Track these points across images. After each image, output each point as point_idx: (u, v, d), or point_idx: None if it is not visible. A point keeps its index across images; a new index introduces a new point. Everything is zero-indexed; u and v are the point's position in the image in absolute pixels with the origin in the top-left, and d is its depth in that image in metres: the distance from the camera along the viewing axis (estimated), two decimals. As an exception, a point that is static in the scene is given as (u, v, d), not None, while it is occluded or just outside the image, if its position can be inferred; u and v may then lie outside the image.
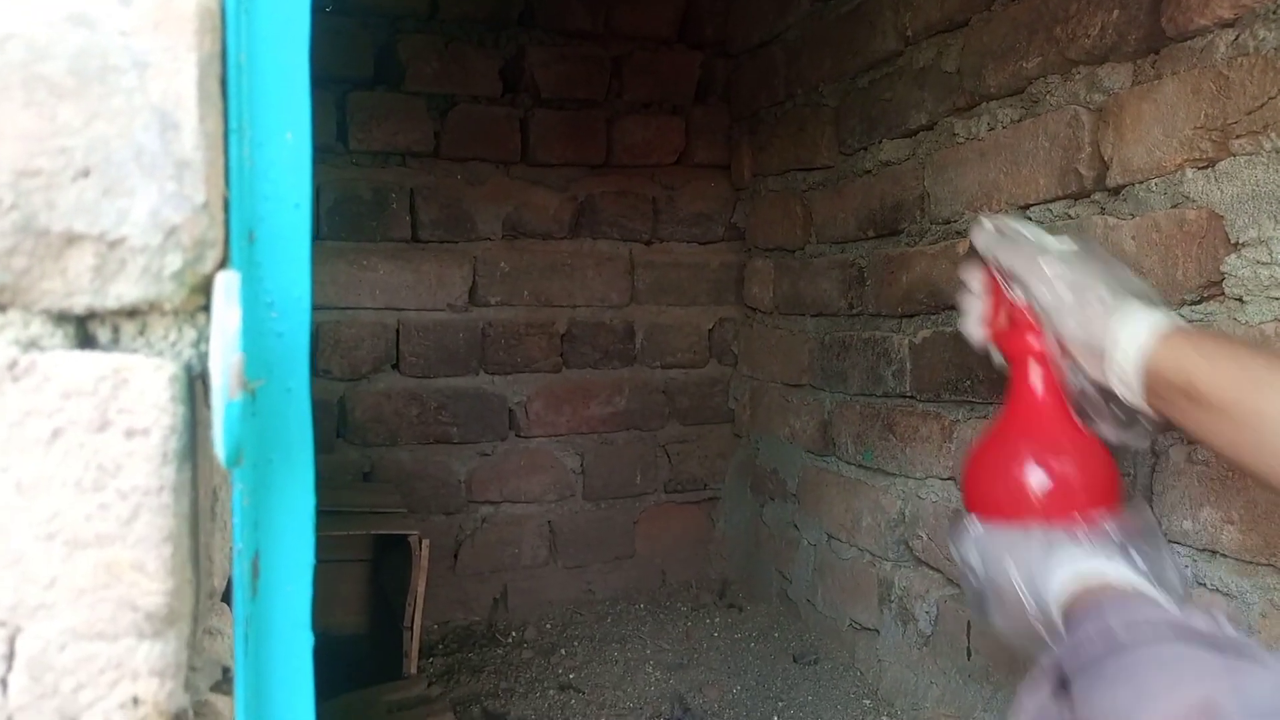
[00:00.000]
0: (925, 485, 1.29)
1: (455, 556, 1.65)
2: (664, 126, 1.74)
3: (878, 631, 1.38)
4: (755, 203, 1.74)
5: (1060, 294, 0.73)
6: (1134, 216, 0.95)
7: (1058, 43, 1.03)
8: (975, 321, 0.83)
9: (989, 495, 0.78)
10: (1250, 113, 0.83)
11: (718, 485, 1.83)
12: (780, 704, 1.34)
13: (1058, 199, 1.05)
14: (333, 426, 1.58)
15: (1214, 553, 0.89)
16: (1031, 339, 0.77)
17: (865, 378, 1.42)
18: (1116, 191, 0.98)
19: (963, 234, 1.20)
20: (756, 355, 1.76)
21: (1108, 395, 0.72)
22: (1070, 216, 1.03)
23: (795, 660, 1.47)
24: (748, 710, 1.33)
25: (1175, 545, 0.93)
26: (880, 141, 1.36)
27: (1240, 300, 0.87)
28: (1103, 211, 1.00)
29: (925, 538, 1.29)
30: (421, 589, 1.31)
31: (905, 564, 1.33)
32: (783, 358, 1.66)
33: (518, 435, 1.68)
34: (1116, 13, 0.96)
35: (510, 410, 1.68)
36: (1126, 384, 0.69)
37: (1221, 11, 0.85)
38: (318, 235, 1.55)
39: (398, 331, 1.60)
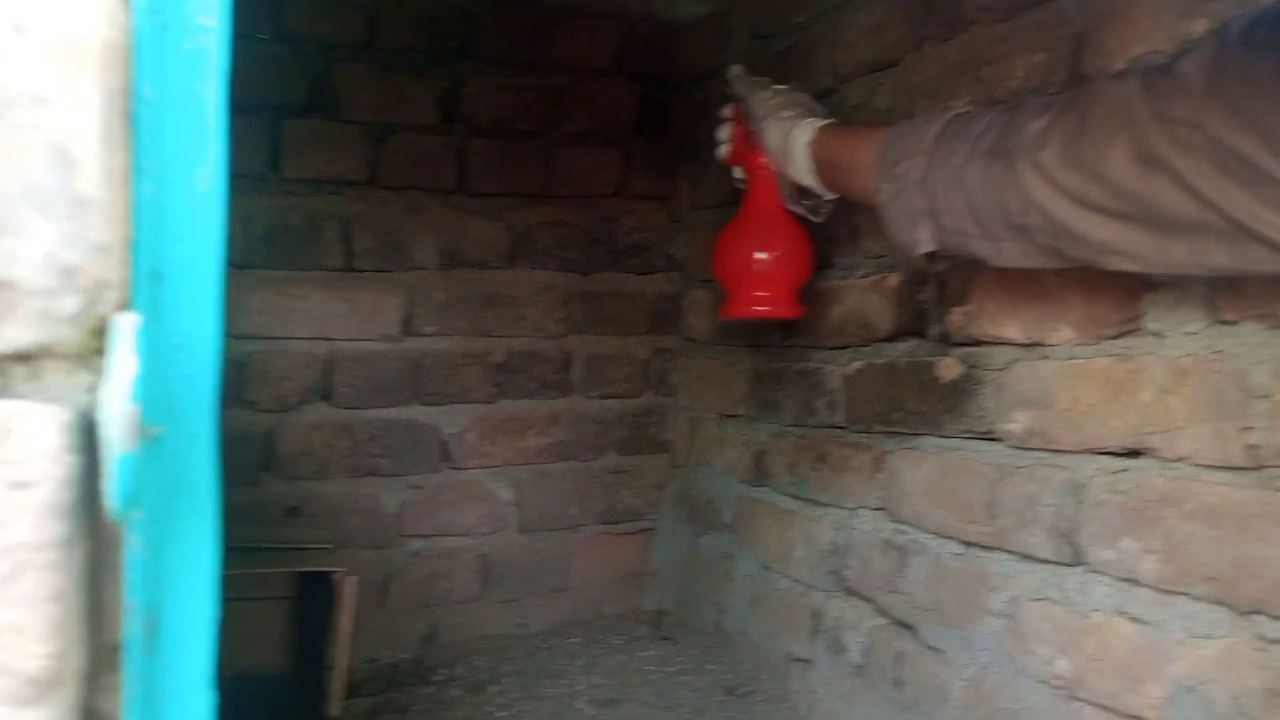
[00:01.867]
0: (857, 515, 1.30)
1: (384, 592, 1.62)
2: (603, 158, 1.75)
3: (810, 662, 1.38)
4: (694, 234, 1.75)
5: (768, 113, 1.06)
6: (1055, 254, 0.98)
7: (984, 83, 1.06)
8: (724, 146, 1.18)
9: (728, 262, 1.15)
10: None
11: (654, 516, 1.83)
12: (715, 738, 1.33)
13: (983, 236, 1.07)
14: (259, 460, 1.54)
15: (1134, 582, 0.91)
16: (757, 155, 1.11)
17: (799, 408, 1.43)
18: (1039, 230, 1.00)
19: (894, 268, 1.23)
20: (694, 386, 1.76)
21: (802, 187, 1.06)
22: (995, 253, 1.06)
23: (729, 693, 1.46)
24: (683, 745, 1.32)
25: (1097, 575, 0.95)
26: (813, 177, 1.38)
27: (1158, 335, 0.90)
28: (1026, 249, 1.02)
29: (857, 568, 1.29)
30: (347, 627, 1.27)
31: (837, 594, 1.34)
32: (719, 388, 1.67)
33: (451, 467, 1.66)
34: (1041, 55, 1.00)
35: (444, 441, 1.65)
36: (803, 169, 1.02)
37: (1137, 54, 0.88)
38: (247, 264, 1.51)
39: (329, 362, 1.57)
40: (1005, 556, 1.06)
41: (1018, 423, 1.04)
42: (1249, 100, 0.58)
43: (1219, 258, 0.64)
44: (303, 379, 1.56)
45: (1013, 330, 1.05)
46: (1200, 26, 0.83)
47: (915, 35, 1.17)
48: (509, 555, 1.71)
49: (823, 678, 1.35)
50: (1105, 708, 0.93)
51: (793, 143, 1.02)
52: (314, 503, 1.57)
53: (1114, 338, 0.93)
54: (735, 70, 1.17)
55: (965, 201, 0.80)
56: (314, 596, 1.40)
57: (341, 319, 1.57)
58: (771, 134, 1.05)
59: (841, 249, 1.33)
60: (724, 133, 1.19)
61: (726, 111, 1.19)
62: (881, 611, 1.25)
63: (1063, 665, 0.98)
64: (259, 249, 1.52)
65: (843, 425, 1.33)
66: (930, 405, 1.17)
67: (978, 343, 1.10)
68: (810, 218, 1.11)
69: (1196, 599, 0.85)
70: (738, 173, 1.18)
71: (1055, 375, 0.99)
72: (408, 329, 1.62)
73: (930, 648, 1.16)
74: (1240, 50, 0.59)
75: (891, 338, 1.24)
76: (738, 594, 1.59)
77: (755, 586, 1.54)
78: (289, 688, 1.46)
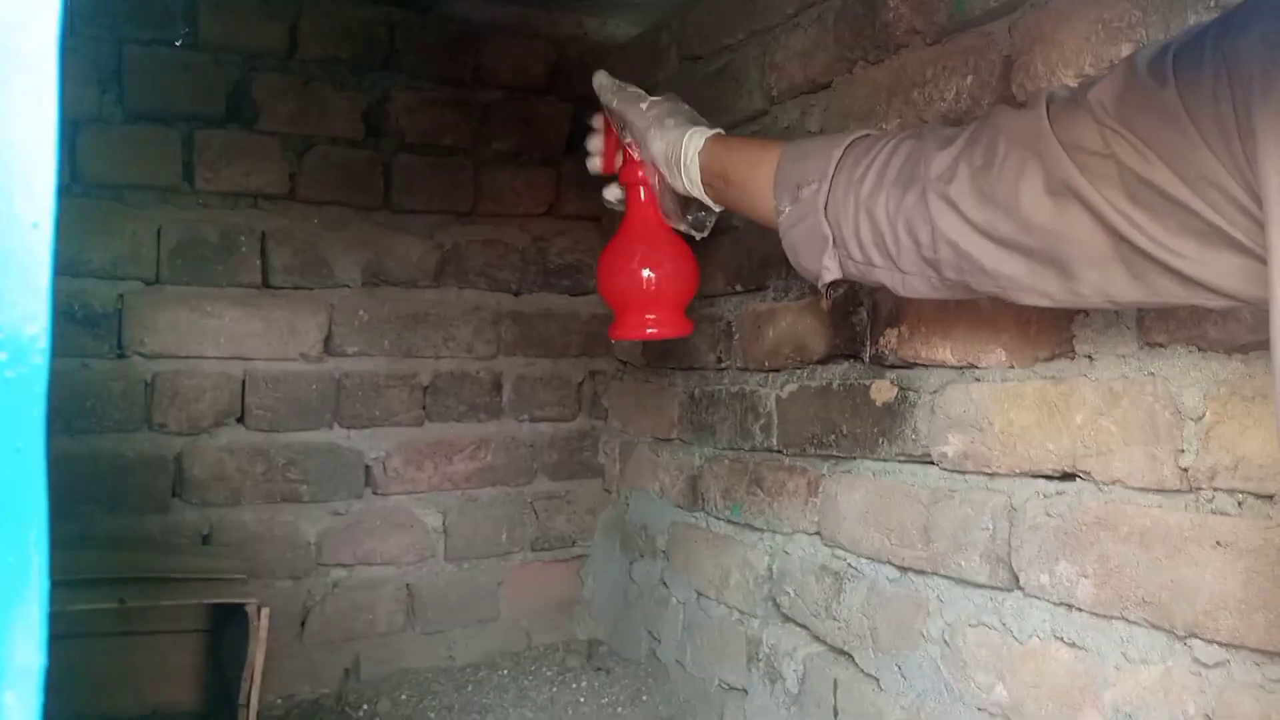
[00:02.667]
0: (792, 540, 1.28)
1: (303, 624, 1.54)
2: (534, 177, 1.71)
3: (746, 691, 1.35)
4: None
5: (650, 124, 1.00)
6: (989, 276, 0.97)
7: (915, 105, 1.06)
8: (596, 158, 1.13)
9: (614, 284, 1.10)
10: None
11: (587, 543, 1.78)
12: (647, 773, 1.29)
13: (917, 257, 1.07)
14: (168, 485, 1.46)
15: (1070, 606, 0.90)
16: (637, 168, 1.06)
17: (733, 432, 1.41)
18: (972, 251, 1.00)
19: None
20: (627, 409, 1.73)
21: (685, 203, 1.04)
22: (929, 274, 1.05)
23: (663, 725, 1.42)
24: (614, 781, 1.27)
25: (1033, 599, 0.94)
26: (747, 197, 1.36)
27: (1090, 358, 0.89)
28: (959, 270, 1.01)
29: (792, 594, 1.27)
30: (259, 662, 1.20)
31: (773, 621, 1.31)
32: (653, 412, 1.64)
33: (375, 493, 1.60)
34: (970, 78, 1.00)
35: (367, 466, 1.59)
36: (693, 181, 0.97)
37: (1067, 79, 0.89)
38: (156, 279, 1.44)
39: (243, 383, 1.50)
40: (941, 581, 1.04)
41: (952, 445, 1.03)
42: (1158, 129, 0.58)
43: (1127, 291, 0.64)
44: (215, 400, 1.48)
45: (945, 352, 1.04)
46: (1125, 51, 0.84)
47: (846, 58, 1.16)
48: (435, 585, 1.65)
49: (759, 707, 1.32)
50: (1042, 735, 0.92)
51: (683, 152, 0.97)
52: (226, 531, 1.50)
53: (1047, 360, 0.93)
54: (601, 79, 1.09)
55: (872, 231, 0.78)
56: (227, 629, 1.32)
57: (258, 338, 1.50)
58: (656, 144, 1.00)
59: (775, 270, 1.31)
60: (594, 143, 1.14)
61: (596, 121, 1.13)
62: (818, 638, 1.23)
63: (1000, 692, 0.96)
64: (170, 264, 1.45)
65: (777, 449, 1.31)
66: (864, 428, 1.15)
67: (911, 365, 1.09)
68: (693, 233, 1.07)
69: (1132, 623, 0.84)
70: (612, 192, 1.12)
71: (989, 397, 0.99)
72: (329, 349, 1.56)
73: (867, 675, 1.14)
74: (1149, 79, 0.59)
75: (825, 360, 1.23)
76: (672, 622, 1.55)
77: (690, 614, 1.51)
78: (199, 728, 1.37)
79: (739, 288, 1.40)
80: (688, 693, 1.49)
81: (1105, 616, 0.87)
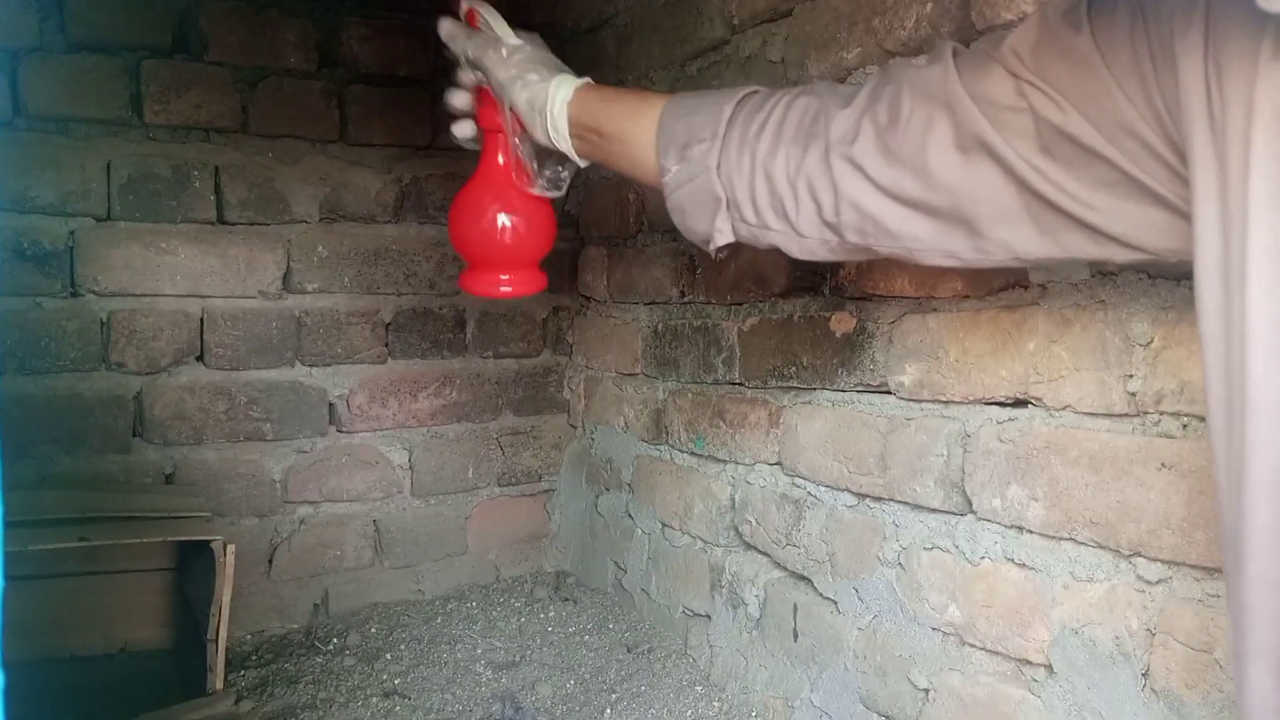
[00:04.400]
0: (754, 471, 1.30)
1: (270, 561, 1.55)
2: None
3: (709, 618, 1.38)
4: (588, 190, 1.71)
5: (511, 71, 0.91)
6: (947, 206, 0.98)
7: (875, 34, 1.05)
8: (467, 123, 1.00)
9: (467, 236, 1.03)
10: None
11: (553, 477, 1.80)
12: (613, 696, 1.32)
13: (877, 188, 1.07)
14: (128, 425, 1.45)
15: (1020, 529, 0.93)
16: (495, 113, 0.96)
17: (696, 365, 1.42)
18: (931, 181, 1.00)
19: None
20: (591, 344, 1.73)
21: (544, 156, 0.96)
22: (888, 205, 1.05)
23: (629, 650, 1.46)
24: (581, 704, 1.30)
25: (985, 523, 0.96)
26: (709, 128, 1.35)
27: (1043, 287, 0.90)
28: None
29: (754, 523, 1.29)
30: (227, 598, 1.21)
31: (735, 549, 1.34)
32: (617, 347, 1.64)
33: (339, 430, 1.59)
34: (930, 6, 0.99)
35: (331, 404, 1.58)
36: (559, 132, 0.89)
37: (1025, 6, 0.88)
38: (108, 215, 1.41)
39: (202, 321, 1.48)
40: (897, 507, 1.07)
41: (909, 375, 1.04)
42: (1074, 78, 0.57)
43: (1035, 248, 0.63)
44: (174, 339, 1.46)
45: (904, 283, 1.05)
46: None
47: (809, -17, 1.15)
48: (403, 521, 1.66)
49: (722, 632, 1.35)
50: (993, 652, 0.95)
51: (549, 101, 0.89)
52: (190, 469, 1.49)
53: (1001, 289, 0.94)
54: (449, 27, 0.97)
55: (770, 194, 0.75)
56: (193, 567, 1.33)
57: (214, 275, 1.48)
58: (519, 94, 0.91)
59: (737, 202, 1.31)
60: (459, 99, 0.99)
61: (467, 77, 0.97)
62: (778, 565, 1.25)
63: (953, 612, 0.99)
64: (121, 200, 1.42)
65: (739, 382, 1.33)
66: (824, 359, 1.16)
67: (869, 296, 1.09)
68: (549, 193, 0.99)
69: (1080, 544, 0.87)
70: (463, 129, 1.01)
71: (944, 327, 1.00)
72: (288, 286, 1.54)
73: (826, 598, 1.17)
74: (1064, 28, 0.58)
75: (786, 293, 1.23)
76: (637, 553, 1.58)
77: (655, 545, 1.53)
78: (170, 663, 1.38)
79: (701, 221, 1.39)
80: (653, 620, 1.52)
81: (1054, 538, 0.89)
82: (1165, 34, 0.53)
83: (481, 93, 0.98)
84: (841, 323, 1.14)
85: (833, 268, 1.14)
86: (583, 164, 0.93)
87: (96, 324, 1.41)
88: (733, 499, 1.34)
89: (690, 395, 1.44)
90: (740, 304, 1.32)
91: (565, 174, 0.98)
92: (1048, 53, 0.59)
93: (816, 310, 1.18)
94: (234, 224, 1.49)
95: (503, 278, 1.05)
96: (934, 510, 1.02)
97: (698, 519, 1.42)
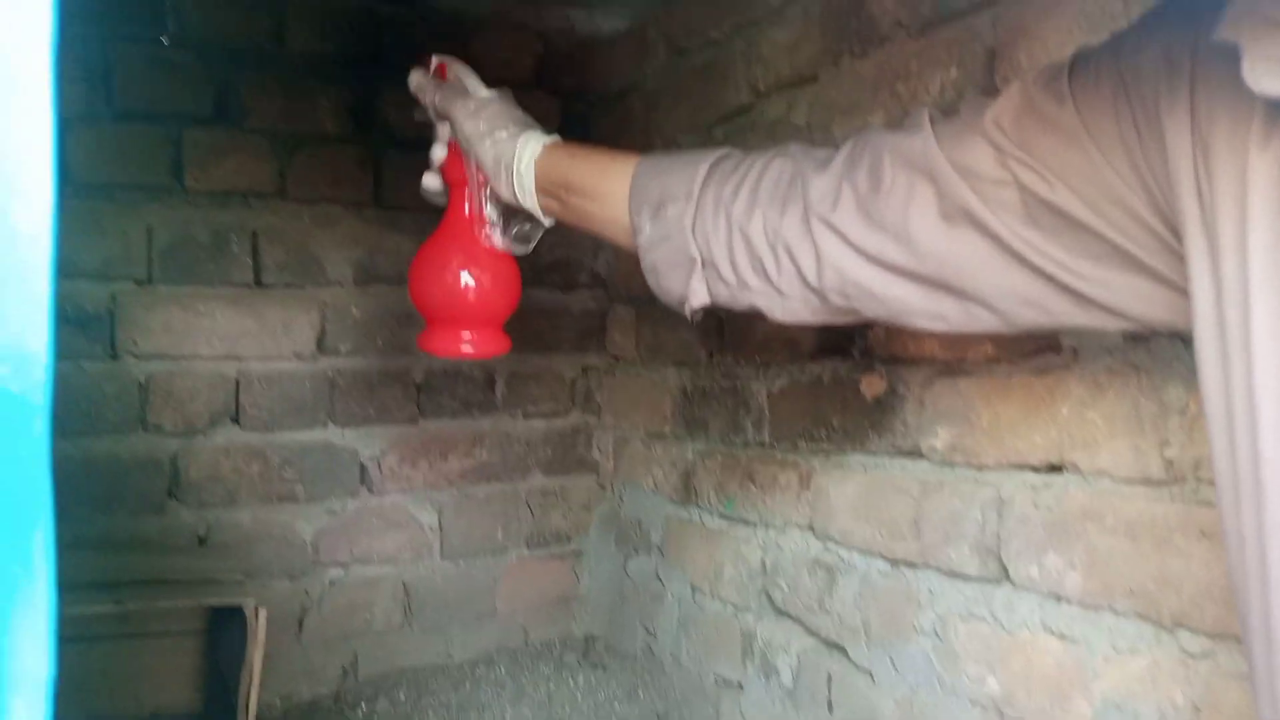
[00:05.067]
0: (785, 534, 1.28)
1: (300, 624, 1.55)
2: (524, 172, 1.71)
3: (741, 686, 1.35)
4: (617, 251, 1.72)
5: (479, 126, 0.91)
6: (975, 269, 0.97)
7: (900, 99, 1.06)
8: (435, 177, 1.01)
9: (429, 293, 1.00)
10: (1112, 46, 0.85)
11: (582, 538, 1.79)
12: (644, 767, 1.29)
13: (905, 251, 1.07)
14: (164, 486, 1.46)
15: (1058, 598, 0.90)
16: (460, 168, 0.96)
17: (726, 426, 1.41)
18: (959, 244, 1.00)
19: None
20: (620, 404, 1.73)
21: (510, 214, 0.95)
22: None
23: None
24: (610, 775, 1.28)
25: (1022, 591, 0.94)
26: (737, 191, 1.36)
27: (1075, 351, 0.89)
28: (947, 263, 1.02)
29: (786, 588, 1.27)
30: (258, 663, 1.21)
31: (767, 615, 1.32)
32: (646, 406, 1.64)
33: (370, 491, 1.60)
34: (955, 70, 0.99)
35: (362, 465, 1.59)
36: (525, 190, 0.88)
37: (1049, 73, 0.88)
38: (148, 279, 1.44)
39: (237, 382, 1.50)
40: (932, 574, 1.04)
41: (941, 438, 1.03)
42: (1059, 150, 0.57)
43: (1024, 315, 0.63)
44: (210, 400, 1.48)
45: (933, 346, 1.04)
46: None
47: (832, 51, 1.16)
48: (432, 582, 1.65)
49: (754, 701, 1.33)
50: (1032, 726, 0.92)
51: (516, 158, 0.88)
52: (224, 531, 1.50)
53: (1033, 353, 0.93)
54: (417, 79, 0.99)
55: (749, 254, 0.74)
56: (225, 630, 1.33)
57: (250, 337, 1.50)
58: (485, 149, 0.90)
59: (765, 264, 1.31)
60: (440, 152, 0.99)
61: (445, 132, 0.98)
62: (811, 632, 1.23)
63: (992, 684, 0.97)
64: (161, 264, 1.45)
65: (769, 443, 1.32)
66: (855, 422, 1.15)
67: (899, 359, 1.09)
68: (516, 250, 0.98)
69: (1120, 614, 0.85)
70: (432, 180, 1.00)
71: (975, 391, 0.99)
72: (321, 347, 1.56)
73: (860, 668, 1.14)
74: (1047, 100, 0.58)
75: (815, 355, 1.23)
76: (668, 617, 1.56)
77: (685, 609, 1.51)
78: (197, 729, 1.38)
79: (730, 282, 1.39)
80: (684, 688, 1.50)
81: (1093, 607, 0.87)
82: (1150, 107, 0.52)
83: (449, 146, 0.97)
84: (872, 385, 1.13)
85: (861, 330, 1.14)
86: (548, 222, 0.92)
87: (135, 386, 1.44)
88: (764, 563, 1.33)
89: (720, 456, 1.43)
90: (769, 365, 1.32)
91: (532, 230, 0.96)
92: (1031, 125, 0.59)
93: (846, 372, 1.17)
94: (270, 286, 1.52)
95: (465, 336, 1.01)
96: (970, 578, 1.00)
97: (728, 583, 1.40)
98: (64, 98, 1.35)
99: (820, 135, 1.18)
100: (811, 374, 1.24)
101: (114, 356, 1.43)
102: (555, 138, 0.90)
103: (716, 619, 1.42)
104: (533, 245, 0.98)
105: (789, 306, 0.74)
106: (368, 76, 1.58)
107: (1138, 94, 0.53)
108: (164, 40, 1.43)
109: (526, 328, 1.72)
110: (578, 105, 1.75)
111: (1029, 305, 0.62)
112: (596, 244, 1.77)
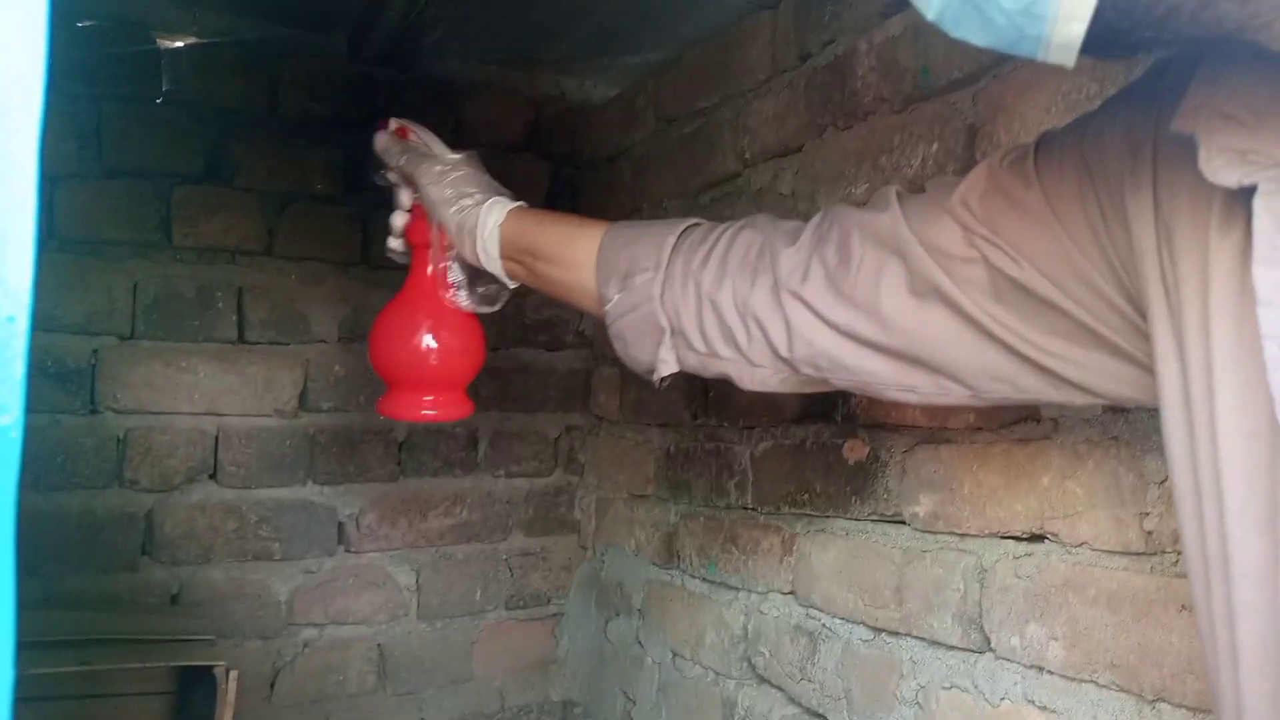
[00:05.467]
0: (767, 600, 1.28)
1: (272, 686, 1.51)
2: (511, 233, 1.73)
3: (722, 755, 1.33)
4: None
5: (444, 191, 0.92)
6: (956, 338, 0.99)
7: (883, 171, 1.08)
8: (398, 240, 1.04)
9: (391, 355, 0.99)
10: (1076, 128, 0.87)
11: (562, 600, 1.77)
12: (621, 839, 1.26)
13: (887, 319, 1.08)
14: (138, 543, 1.44)
15: (1041, 669, 0.90)
16: (426, 229, 0.97)
17: (709, 489, 1.41)
18: (940, 313, 1.01)
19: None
20: (603, 465, 1.73)
21: (475, 275, 0.96)
22: (899, 336, 1.07)
23: (638, 788, 1.40)
24: None
25: (1005, 661, 0.94)
26: (722, 256, 1.38)
27: (1055, 421, 0.91)
28: (928, 332, 1.03)
29: (767, 654, 1.26)
30: (226, 727, 1.18)
31: (749, 682, 1.30)
32: (629, 467, 1.64)
33: (347, 550, 1.58)
34: (936, 145, 1.02)
35: (340, 523, 1.58)
36: (490, 255, 0.90)
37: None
38: (131, 334, 1.43)
39: (217, 439, 1.49)
40: (914, 643, 1.04)
41: (923, 505, 1.03)
42: (1026, 232, 0.58)
43: (997, 389, 0.64)
44: (188, 456, 1.47)
45: (915, 413, 1.05)
46: (1087, 121, 0.86)
47: (817, 123, 1.19)
48: (408, 645, 1.62)
49: (733, 770, 1.30)
50: (1015, 800, 0.91)
51: (480, 223, 0.90)
52: (197, 590, 1.48)
53: (1014, 423, 0.94)
54: (384, 141, 1.01)
55: (719, 323, 0.75)
56: (195, 692, 1.30)
57: (232, 393, 1.50)
58: (450, 213, 0.92)
59: (749, 328, 1.32)
60: (400, 220, 1.03)
61: (405, 198, 1.02)
62: (793, 700, 1.22)
63: (972, 756, 0.96)
64: (145, 319, 1.45)
65: (752, 507, 1.32)
66: (837, 487, 1.16)
67: (882, 425, 1.09)
68: (481, 309, 0.99)
69: (1102, 686, 0.84)
70: (396, 244, 1.03)
71: (957, 458, 0.99)
72: (303, 404, 1.55)
73: (841, 738, 1.13)
74: (1012, 181, 0.60)
75: (799, 419, 1.23)
76: (647, 683, 1.53)
77: (665, 675, 1.49)
78: (161, 794, 1.34)
79: (714, 345, 1.40)
80: (663, 754, 1.47)
81: (1076, 679, 0.87)
82: (1115, 190, 0.54)
83: (413, 208, 0.99)
84: (854, 450, 1.14)
85: (844, 395, 1.15)
86: (513, 285, 0.93)
87: (113, 441, 1.43)
88: (745, 629, 1.32)
89: (702, 519, 1.43)
90: (753, 428, 1.33)
91: (498, 290, 0.97)
92: (998, 206, 0.60)
93: (829, 437, 1.18)
94: (254, 343, 1.52)
95: (426, 399, 1.00)
96: (952, 647, 0.99)
97: (710, 649, 1.38)
98: (53, 156, 1.37)
99: (805, 204, 1.21)
100: (795, 437, 1.24)
101: (94, 411, 1.42)
102: (521, 203, 0.91)
103: (697, 685, 1.40)
104: (499, 305, 0.99)
105: (759, 376, 0.75)
106: (359, 138, 1.59)
107: (1102, 177, 0.55)
108: (157, 100, 1.45)
109: (511, 387, 1.72)
110: (568, 169, 1.77)
111: (999, 380, 0.63)
112: (582, 305, 1.78)
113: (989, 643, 0.95)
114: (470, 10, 1.31)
